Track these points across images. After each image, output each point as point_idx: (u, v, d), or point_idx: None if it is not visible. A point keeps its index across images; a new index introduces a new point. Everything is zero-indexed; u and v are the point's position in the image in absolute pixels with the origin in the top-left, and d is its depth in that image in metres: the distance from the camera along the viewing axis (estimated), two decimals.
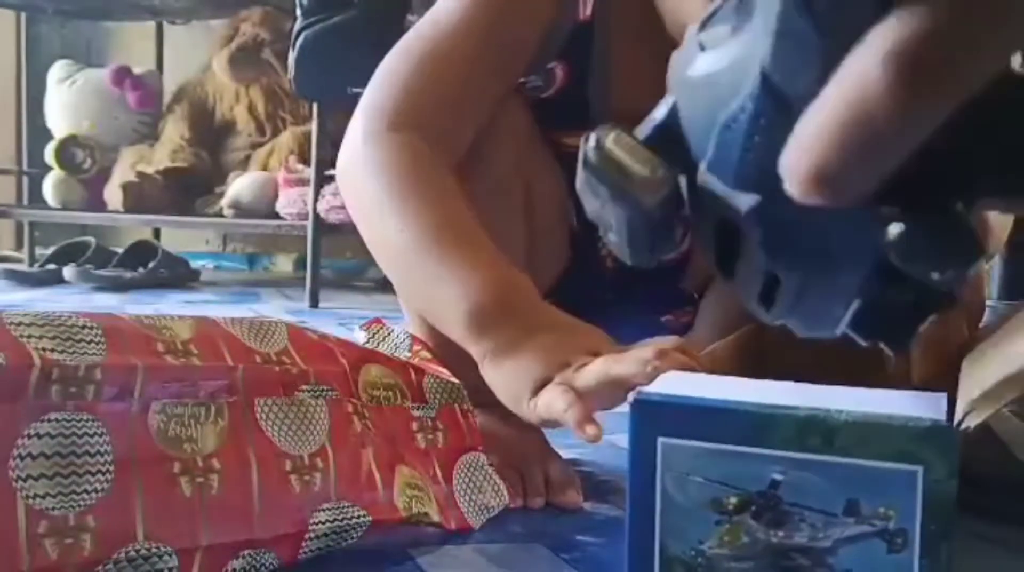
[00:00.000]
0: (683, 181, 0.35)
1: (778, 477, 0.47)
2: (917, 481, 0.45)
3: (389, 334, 0.85)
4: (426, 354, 0.82)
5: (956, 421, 0.45)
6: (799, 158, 0.27)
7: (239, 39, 2.83)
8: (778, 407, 0.47)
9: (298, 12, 2.23)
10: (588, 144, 0.36)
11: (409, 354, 0.83)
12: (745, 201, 0.33)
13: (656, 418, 0.49)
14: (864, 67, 0.25)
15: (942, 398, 0.47)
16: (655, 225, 0.36)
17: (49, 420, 0.56)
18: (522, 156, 0.86)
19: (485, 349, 0.70)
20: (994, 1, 0.24)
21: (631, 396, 0.50)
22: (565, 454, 0.91)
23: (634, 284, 0.96)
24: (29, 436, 0.55)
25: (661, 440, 0.49)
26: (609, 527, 0.77)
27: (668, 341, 0.64)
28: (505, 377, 0.69)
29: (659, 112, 0.36)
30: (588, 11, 0.88)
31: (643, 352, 0.63)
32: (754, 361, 0.72)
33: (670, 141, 0.35)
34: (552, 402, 0.64)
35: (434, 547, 0.72)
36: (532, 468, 0.85)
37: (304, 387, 0.68)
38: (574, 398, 0.62)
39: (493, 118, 0.84)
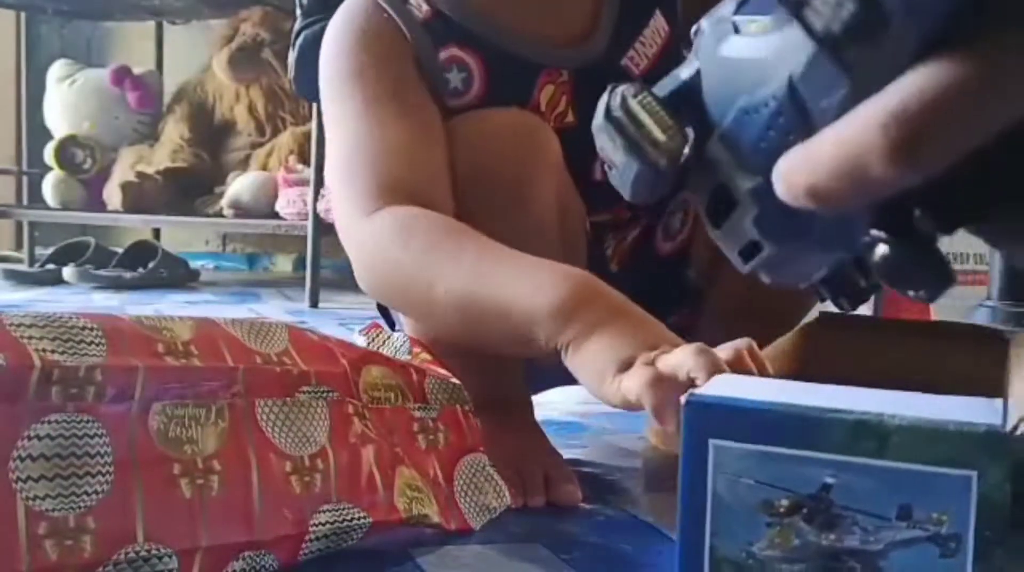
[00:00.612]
0: (691, 134, 0.40)
1: (830, 480, 0.47)
2: (971, 486, 0.45)
3: (388, 338, 0.85)
4: (426, 356, 0.82)
5: (1012, 426, 0.45)
6: (795, 170, 0.31)
7: (239, 39, 2.83)
8: (830, 410, 0.47)
9: (298, 12, 2.22)
10: (613, 98, 0.41)
11: (409, 357, 0.83)
12: (747, 181, 0.37)
13: (707, 419, 0.49)
14: (868, 122, 0.29)
15: (997, 403, 0.47)
16: (661, 176, 0.40)
17: (49, 421, 0.56)
18: (559, 189, 0.84)
19: (569, 337, 0.68)
20: (996, 76, 0.27)
21: (683, 398, 0.50)
22: (565, 454, 0.91)
23: (639, 283, 0.96)
24: (29, 437, 0.55)
25: (712, 442, 0.49)
26: (609, 527, 0.77)
27: (741, 343, 0.64)
28: (589, 357, 0.67)
29: (684, 72, 0.41)
30: (424, 10, 0.86)
31: (721, 351, 0.62)
32: (805, 362, 0.71)
33: (688, 101, 0.40)
34: (636, 383, 0.62)
35: (435, 547, 0.72)
36: (531, 467, 0.85)
37: (305, 388, 0.68)
38: (658, 381, 0.60)
39: (526, 147, 0.81)
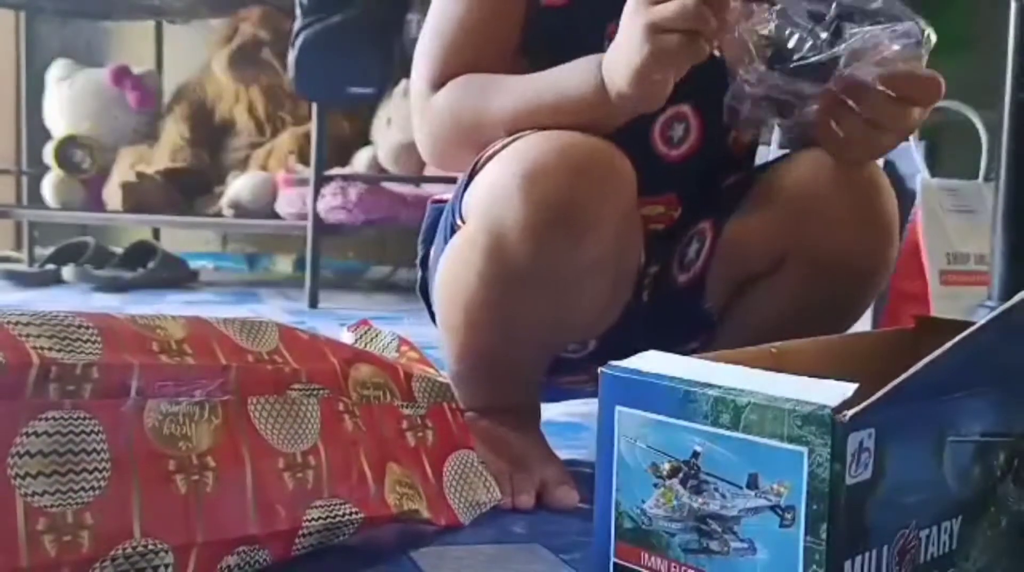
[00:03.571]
0: None
1: (698, 448, 0.52)
2: (803, 462, 0.48)
3: (377, 335, 0.85)
4: (414, 355, 0.83)
5: (835, 407, 0.48)
6: None
7: (239, 39, 2.82)
8: (700, 384, 0.53)
9: (298, 12, 2.22)
10: None
11: (396, 355, 0.83)
12: None
13: (615, 388, 0.56)
14: None
15: (851, 387, 0.49)
16: None
17: (47, 418, 0.56)
18: (622, 230, 0.83)
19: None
20: None
21: (601, 370, 0.57)
22: (565, 454, 0.91)
23: (660, 312, 0.95)
24: (27, 434, 0.55)
25: (618, 408, 0.56)
26: None
27: None
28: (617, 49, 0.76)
29: None
30: None
31: None
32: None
33: None
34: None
35: (434, 547, 0.71)
36: (527, 469, 0.84)
37: (296, 386, 0.68)
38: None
39: (604, 184, 0.79)
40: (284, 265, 3.38)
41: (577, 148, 0.79)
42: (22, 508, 0.54)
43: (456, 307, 0.84)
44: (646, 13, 0.72)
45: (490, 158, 0.83)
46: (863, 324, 1.37)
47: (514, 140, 0.81)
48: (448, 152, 0.92)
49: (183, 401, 0.62)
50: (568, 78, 0.81)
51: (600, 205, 0.79)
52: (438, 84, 0.88)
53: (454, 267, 0.85)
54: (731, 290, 0.94)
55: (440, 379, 0.80)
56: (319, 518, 0.66)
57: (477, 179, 0.83)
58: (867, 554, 0.49)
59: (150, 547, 0.58)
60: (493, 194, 0.80)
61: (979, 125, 1.49)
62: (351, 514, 0.68)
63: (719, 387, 0.52)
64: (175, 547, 0.59)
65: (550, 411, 1.10)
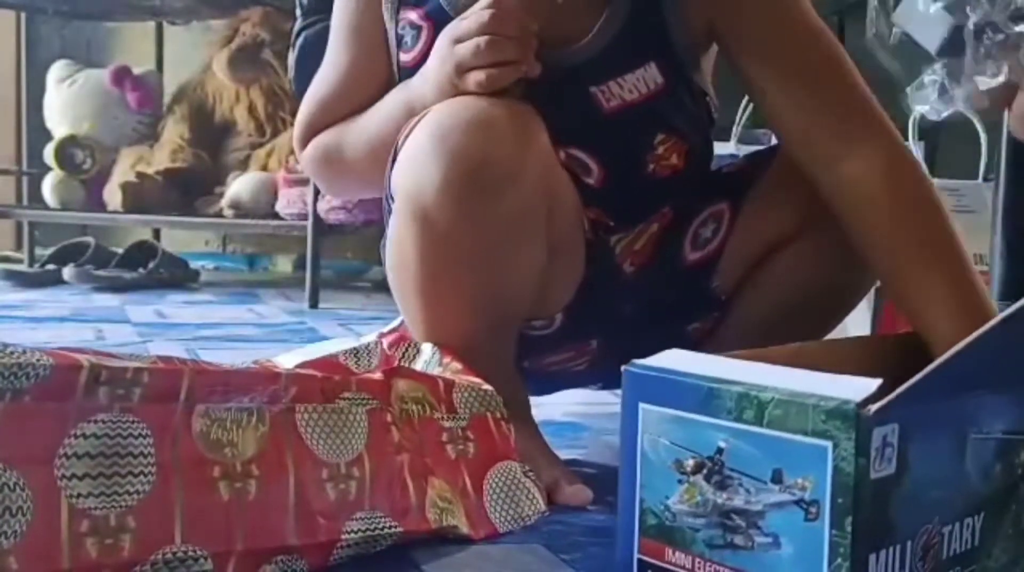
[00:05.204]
0: None
1: (722, 444, 0.53)
2: (828, 456, 0.49)
3: (419, 352, 0.85)
4: (457, 366, 0.82)
5: (859, 402, 0.48)
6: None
7: (239, 39, 2.82)
8: (724, 381, 0.53)
9: (298, 12, 2.22)
10: None
11: (440, 368, 0.83)
12: None
13: (639, 386, 0.57)
14: None
15: (875, 382, 0.50)
16: None
17: (96, 421, 0.57)
18: (549, 177, 0.84)
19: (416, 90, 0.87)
20: None
21: (623, 367, 0.57)
22: (566, 454, 0.91)
23: (657, 290, 0.95)
24: (76, 436, 0.56)
25: (641, 405, 0.56)
26: (609, 528, 0.77)
27: None
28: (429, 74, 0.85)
29: None
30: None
31: None
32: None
33: None
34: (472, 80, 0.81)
35: (434, 547, 0.71)
36: (535, 470, 0.84)
37: (346, 395, 0.69)
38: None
39: (517, 138, 0.80)
40: (284, 265, 3.38)
41: (488, 108, 0.80)
42: (67, 509, 0.55)
43: (406, 288, 0.85)
44: (453, 52, 0.81)
45: (408, 135, 0.83)
46: (863, 326, 1.37)
47: (427, 113, 0.83)
48: (337, 185, 1.08)
49: (232, 406, 0.62)
50: (385, 104, 0.92)
51: (515, 155, 0.79)
52: (304, 144, 0.99)
53: (394, 248, 0.86)
54: (744, 268, 0.95)
55: (484, 387, 0.80)
56: (358, 531, 0.66)
57: (399, 156, 0.84)
58: (891, 549, 0.50)
59: (190, 553, 0.58)
60: (411, 164, 0.81)
61: (978, 125, 1.48)
62: (390, 528, 0.68)
63: (742, 383, 0.52)
64: (214, 554, 0.59)
65: (550, 412, 1.10)
